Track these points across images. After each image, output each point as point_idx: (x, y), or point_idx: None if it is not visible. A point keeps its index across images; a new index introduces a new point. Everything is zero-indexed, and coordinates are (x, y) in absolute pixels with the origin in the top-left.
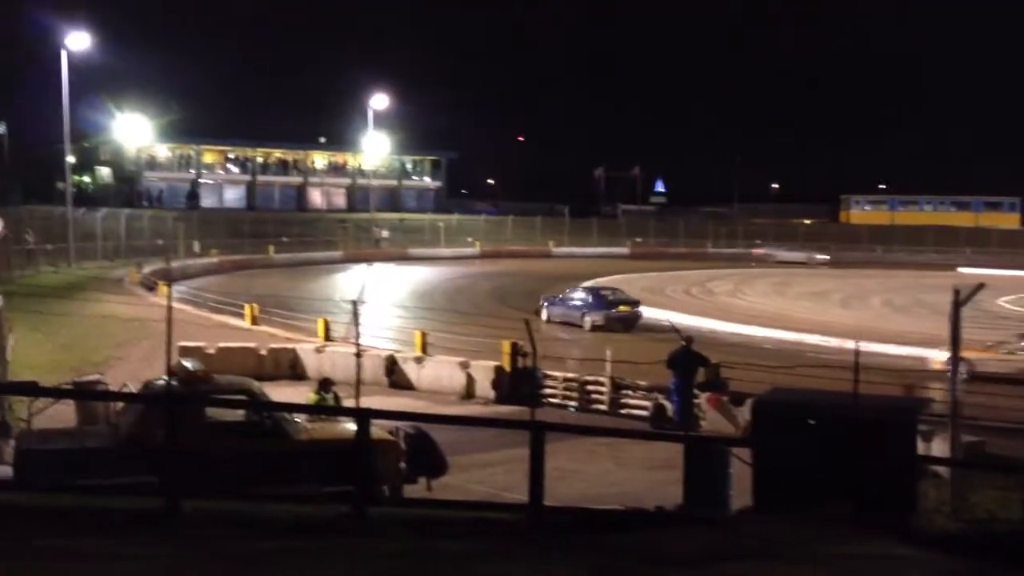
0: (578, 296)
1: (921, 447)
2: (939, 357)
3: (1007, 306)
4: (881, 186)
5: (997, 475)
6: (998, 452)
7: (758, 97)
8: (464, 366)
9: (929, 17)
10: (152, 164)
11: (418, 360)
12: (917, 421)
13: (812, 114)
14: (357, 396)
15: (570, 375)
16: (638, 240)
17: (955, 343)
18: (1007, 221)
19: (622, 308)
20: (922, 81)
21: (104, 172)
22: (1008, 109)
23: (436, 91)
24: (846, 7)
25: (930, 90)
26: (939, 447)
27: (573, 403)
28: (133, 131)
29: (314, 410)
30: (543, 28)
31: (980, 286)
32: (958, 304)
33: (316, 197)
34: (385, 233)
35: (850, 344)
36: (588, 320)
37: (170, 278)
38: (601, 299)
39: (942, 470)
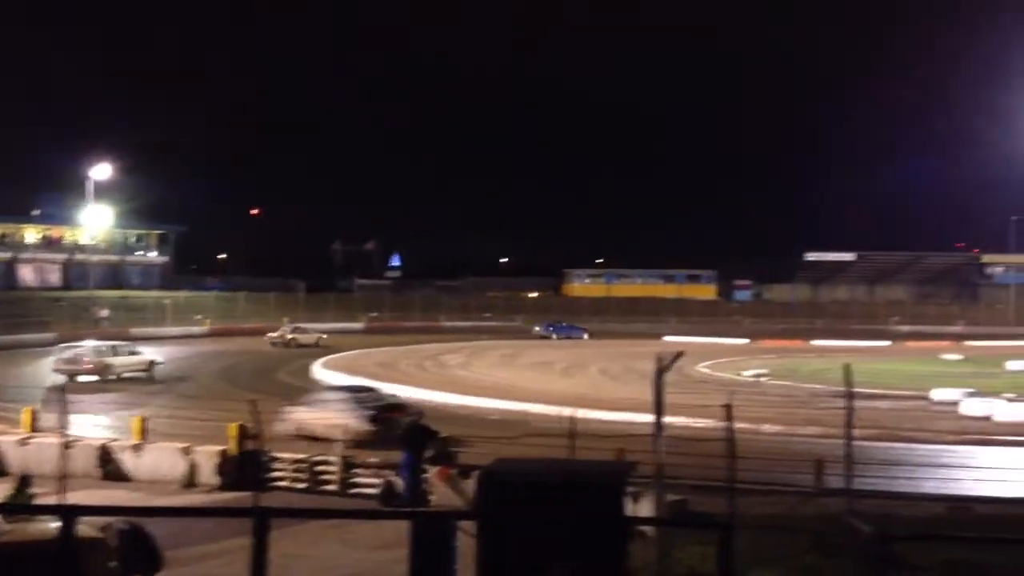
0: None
1: (630, 508)
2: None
3: (705, 371)
4: (599, 260)
5: (698, 531)
6: (699, 509)
7: (490, 171)
8: (186, 452)
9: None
10: None
11: (136, 448)
12: (626, 484)
13: (542, 189)
14: (63, 491)
15: (300, 456)
16: (374, 314)
17: (659, 407)
18: (705, 292)
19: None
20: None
21: None
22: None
23: (164, 163)
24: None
25: (640, 165)
26: (646, 507)
27: (302, 484)
28: None
29: (12, 509)
30: (277, 100)
31: (680, 354)
32: (661, 371)
33: (27, 274)
34: (105, 312)
35: (568, 412)
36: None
37: None
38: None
39: (649, 529)
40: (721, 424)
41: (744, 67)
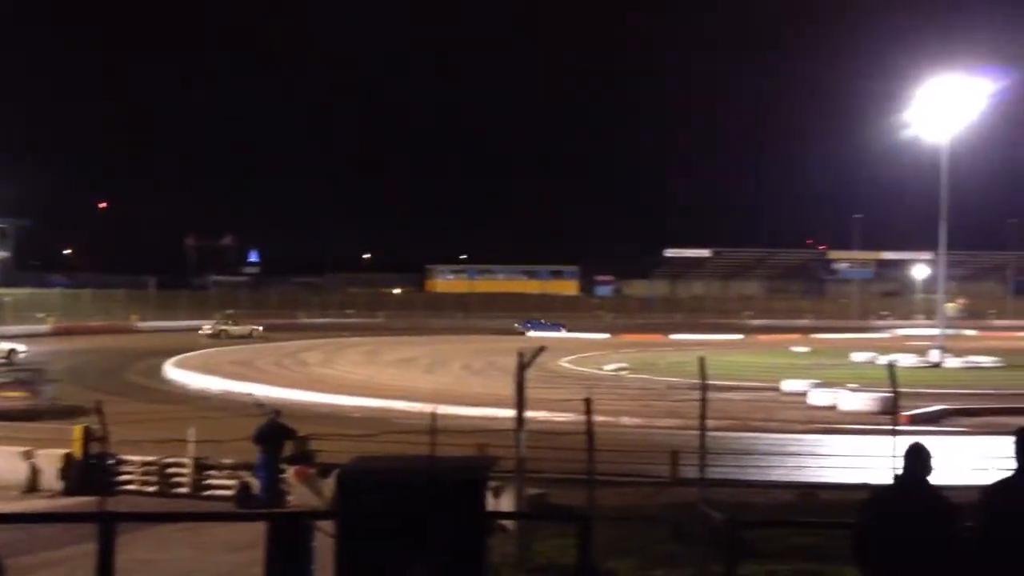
0: None
1: (492, 503)
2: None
3: (567, 366)
4: (462, 256)
5: (558, 523)
6: (559, 502)
7: (353, 166)
8: (27, 456)
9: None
10: None
11: None
12: (487, 479)
13: (406, 185)
14: None
15: (149, 458)
16: (229, 311)
17: (520, 402)
18: (568, 288)
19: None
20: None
21: None
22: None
23: (4, 154)
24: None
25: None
26: (507, 501)
27: (152, 488)
28: None
29: None
30: (130, 90)
31: (541, 349)
32: (523, 366)
33: None
34: None
35: (430, 408)
36: None
37: None
38: None
39: (510, 523)
40: (581, 417)
41: (598, 70)
